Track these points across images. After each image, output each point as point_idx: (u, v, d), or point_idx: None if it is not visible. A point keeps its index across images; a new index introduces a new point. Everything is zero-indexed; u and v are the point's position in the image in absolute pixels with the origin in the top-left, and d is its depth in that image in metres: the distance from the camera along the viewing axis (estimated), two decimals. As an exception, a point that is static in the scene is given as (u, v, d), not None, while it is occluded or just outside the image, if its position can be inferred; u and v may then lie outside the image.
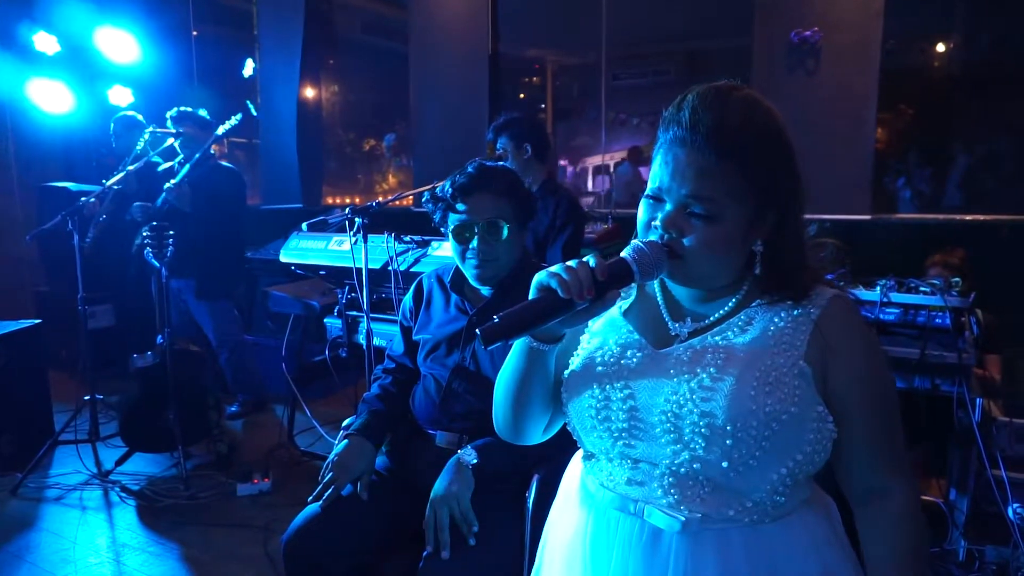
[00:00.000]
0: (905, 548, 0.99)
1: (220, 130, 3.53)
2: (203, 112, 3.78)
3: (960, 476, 2.43)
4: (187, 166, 3.57)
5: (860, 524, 1.03)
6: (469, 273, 1.78)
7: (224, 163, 3.94)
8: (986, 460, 2.25)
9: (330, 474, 1.71)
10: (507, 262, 1.75)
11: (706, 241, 0.94)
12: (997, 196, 4.68)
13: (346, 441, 1.76)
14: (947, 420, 2.34)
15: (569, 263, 0.93)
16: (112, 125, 4.28)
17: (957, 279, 2.36)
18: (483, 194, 1.70)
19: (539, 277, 0.94)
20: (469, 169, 1.73)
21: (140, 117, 4.31)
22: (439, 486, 1.61)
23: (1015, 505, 2.24)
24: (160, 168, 3.88)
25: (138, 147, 3.86)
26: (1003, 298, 2.90)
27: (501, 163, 2.07)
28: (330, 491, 1.68)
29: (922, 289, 2.32)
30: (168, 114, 3.72)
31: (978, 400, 2.28)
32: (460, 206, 1.71)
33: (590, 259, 0.93)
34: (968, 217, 4.06)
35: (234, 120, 3.46)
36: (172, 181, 3.54)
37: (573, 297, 0.91)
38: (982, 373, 2.64)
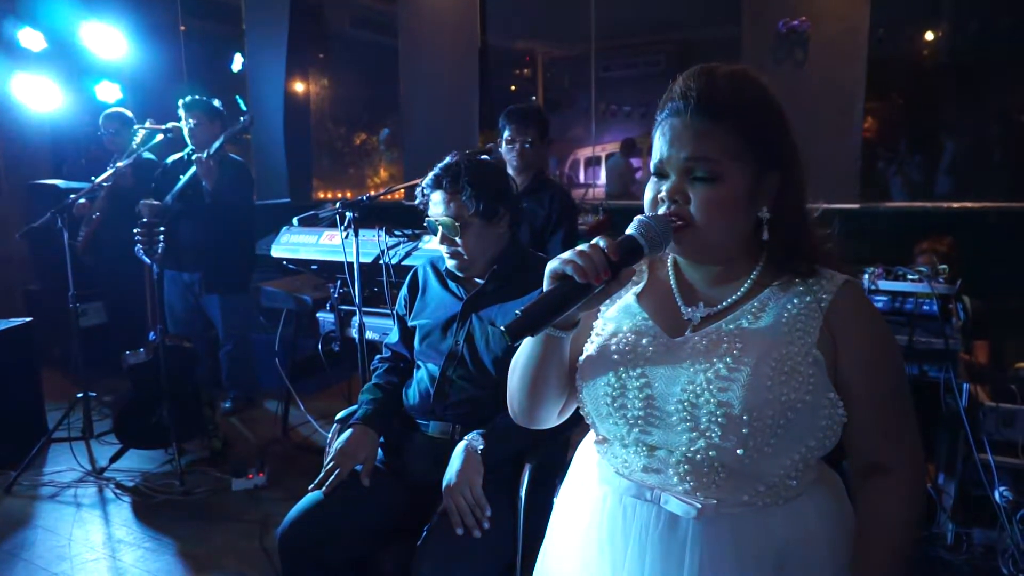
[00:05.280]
0: (894, 523, 1.01)
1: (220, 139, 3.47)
2: (216, 102, 3.70)
3: (948, 460, 2.46)
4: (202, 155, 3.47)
5: (857, 498, 1.05)
6: (447, 263, 1.83)
7: (233, 155, 3.83)
8: (973, 444, 2.29)
9: (333, 462, 1.72)
10: (478, 254, 1.78)
11: (711, 201, 0.95)
12: (985, 183, 4.72)
13: (350, 430, 1.78)
14: (935, 405, 2.37)
15: (580, 247, 0.94)
16: (101, 121, 4.25)
17: (944, 266, 2.38)
18: (442, 192, 1.75)
19: (552, 266, 0.94)
20: (438, 167, 1.78)
21: (129, 113, 4.28)
22: (450, 473, 1.62)
23: (1002, 488, 2.27)
24: (169, 160, 3.82)
25: (135, 143, 3.82)
26: (991, 284, 2.93)
27: (483, 156, 2.09)
28: (332, 478, 1.69)
29: (909, 276, 2.34)
30: (180, 101, 3.64)
31: (965, 385, 2.31)
32: (431, 201, 1.78)
33: (599, 240, 0.94)
34: (956, 204, 4.09)
35: (242, 120, 3.39)
36: (203, 153, 3.43)
37: (590, 281, 0.91)
38: (969, 359, 2.67)
